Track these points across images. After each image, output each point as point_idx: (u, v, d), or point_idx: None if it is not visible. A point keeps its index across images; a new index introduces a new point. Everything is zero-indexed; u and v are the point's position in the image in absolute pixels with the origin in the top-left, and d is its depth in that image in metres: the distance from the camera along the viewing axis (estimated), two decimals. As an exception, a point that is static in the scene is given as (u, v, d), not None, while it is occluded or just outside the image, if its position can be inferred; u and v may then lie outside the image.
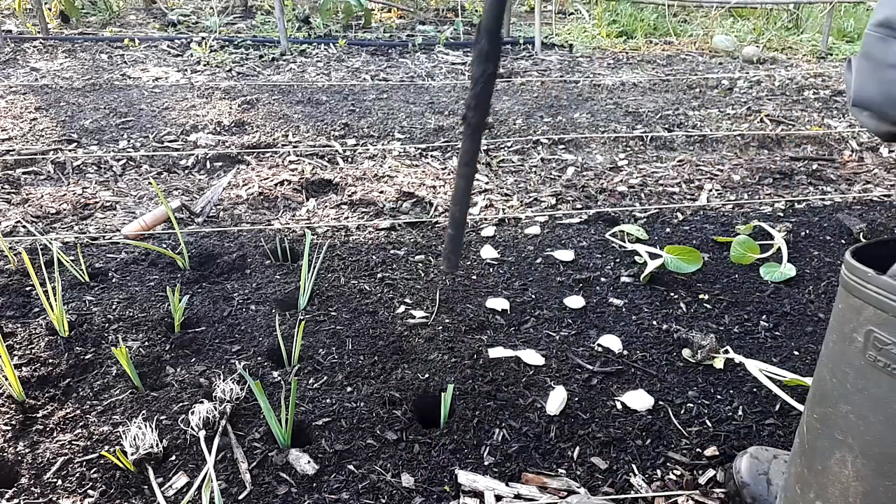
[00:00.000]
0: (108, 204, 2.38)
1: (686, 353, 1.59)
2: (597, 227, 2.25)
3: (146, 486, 1.20)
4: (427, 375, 1.49)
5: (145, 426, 1.28)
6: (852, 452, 0.81)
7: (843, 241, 2.16)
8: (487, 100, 1.15)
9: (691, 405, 1.43)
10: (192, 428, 1.31)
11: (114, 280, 1.87)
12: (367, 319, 1.70)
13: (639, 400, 1.43)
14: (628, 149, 3.01)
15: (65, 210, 2.31)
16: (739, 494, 1.18)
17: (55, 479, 1.21)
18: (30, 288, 1.81)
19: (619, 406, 1.42)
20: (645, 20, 5.49)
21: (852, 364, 0.80)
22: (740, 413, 1.41)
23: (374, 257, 2.01)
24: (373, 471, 1.24)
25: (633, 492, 1.22)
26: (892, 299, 0.74)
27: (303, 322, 1.62)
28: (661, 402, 1.43)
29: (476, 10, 5.83)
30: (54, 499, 1.18)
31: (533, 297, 1.82)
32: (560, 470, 1.26)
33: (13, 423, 1.34)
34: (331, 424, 1.35)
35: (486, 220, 2.29)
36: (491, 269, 1.96)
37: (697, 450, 1.32)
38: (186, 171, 2.69)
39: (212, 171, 2.69)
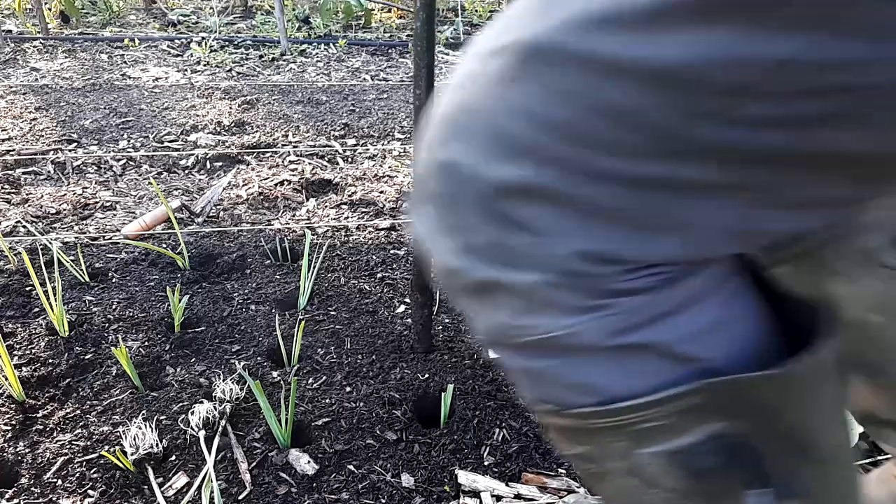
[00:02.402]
0: (108, 204, 2.38)
1: (686, 352, 1.59)
2: (597, 226, 2.25)
3: (146, 486, 1.20)
4: (427, 375, 1.49)
5: (145, 426, 1.28)
6: None
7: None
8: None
9: (691, 405, 1.43)
10: (191, 428, 1.31)
11: (114, 280, 1.87)
12: (366, 319, 1.70)
13: (639, 400, 1.43)
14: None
15: (65, 210, 2.31)
16: None
17: (55, 479, 1.21)
18: (30, 288, 1.81)
19: (618, 406, 1.42)
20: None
21: None
22: (740, 413, 1.41)
23: (374, 257, 2.01)
24: (373, 471, 1.24)
25: (632, 492, 1.22)
26: None
27: (302, 322, 1.62)
28: (660, 402, 1.43)
29: (476, 10, 5.83)
30: (54, 499, 1.18)
31: (533, 296, 1.82)
32: (560, 470, 1.26)
33: (13, 423, 1.34)
34: (330, 424, 1.35)
35: (486, 220, 2.29)
36: (491, 269, 1.96)
37: (697, 450, 1.32)
38: (186, 171, 2.69)
39: (212, 171, 2.69)
